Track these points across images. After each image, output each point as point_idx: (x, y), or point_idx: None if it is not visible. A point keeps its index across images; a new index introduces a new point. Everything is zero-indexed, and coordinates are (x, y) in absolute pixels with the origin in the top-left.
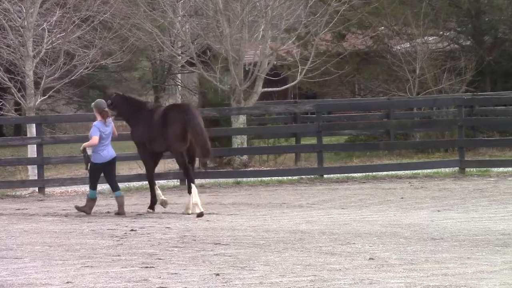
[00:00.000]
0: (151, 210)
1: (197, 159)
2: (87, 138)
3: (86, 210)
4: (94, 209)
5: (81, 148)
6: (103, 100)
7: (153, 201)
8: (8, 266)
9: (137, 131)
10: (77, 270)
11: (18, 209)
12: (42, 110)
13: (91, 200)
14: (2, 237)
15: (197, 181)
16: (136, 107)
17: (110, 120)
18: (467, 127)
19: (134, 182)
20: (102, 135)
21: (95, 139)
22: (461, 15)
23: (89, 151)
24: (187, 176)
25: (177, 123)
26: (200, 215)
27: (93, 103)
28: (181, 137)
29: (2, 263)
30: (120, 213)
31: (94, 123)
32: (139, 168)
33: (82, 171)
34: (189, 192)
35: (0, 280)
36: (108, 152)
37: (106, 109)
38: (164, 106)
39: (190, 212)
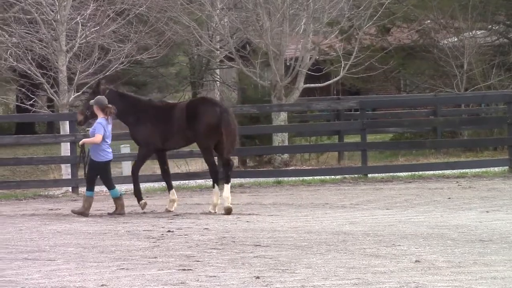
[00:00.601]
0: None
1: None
2: (123, 136)
3: (85, 211)
4: (130, 209)
5: (80, 143)
6: (103, 97)
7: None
8: (40, 268)
9: (145, 129)
10: (112, 273)
11: (51, 209)
12: (75, 106)
13: (89, 198)
14: (34, 238)
15: (236, 180)
16: (136, 104)
17: (111, 118)
18: None
19: (164, 183)
20: (106, 133)
21: (99, 137)
22: (511, 7)
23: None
24: (212, 175)
25: (211, 117)
26: (228, 211)
27: (92, 100)
28: (214, 132)
29: (34, 265)
30: (120, 213)
31: (98, 120)
32: (176, 167)
33: (117, 170)
34: (218, 188)
35: (33, 282)
36: (110, 151)
37: (110, 105)
38: (181, 101)
39: (214, 210)
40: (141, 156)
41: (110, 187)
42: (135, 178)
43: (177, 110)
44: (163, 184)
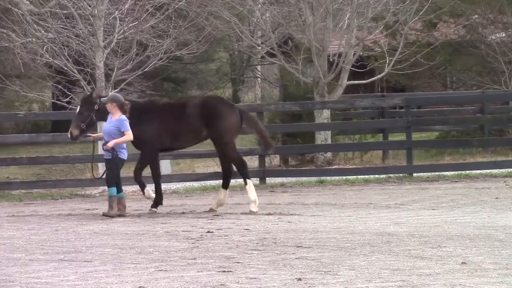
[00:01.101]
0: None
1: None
2: None
3: (123, 212)
4: (169, 209)
5: (111, 145)
6: (118, 94)
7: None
8: (77, 270)
9: (150, 130)
10: (150, 274)
11: (88, 209)
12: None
13: (120, 198)
14: (71, 238)
15: (278, 179)
16: (135, 106)
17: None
18: None
19: (211, 181)
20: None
21: (130, 134)
22: None
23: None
24: (242, 171)
25: (230, 112)
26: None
27: (107, 98)
28: (236, 127)
29: (70, 266)
30: (122, 214)
31: (123, 117)
32: (216, 166)
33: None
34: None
35: (69, 284)
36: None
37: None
38: (186, 99)
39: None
40: (152, 160)
41: (113, 185)
42: (159, 184)
43: (189, 107)
44: (203, 183)
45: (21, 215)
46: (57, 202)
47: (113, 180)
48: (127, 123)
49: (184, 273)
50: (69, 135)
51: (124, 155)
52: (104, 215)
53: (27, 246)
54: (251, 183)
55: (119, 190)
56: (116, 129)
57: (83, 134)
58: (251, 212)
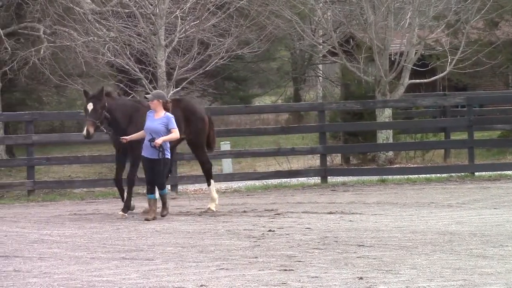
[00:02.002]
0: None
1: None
2: (222, 133)
3: (166, 211)
4: (230, 208)
5: (161, 141)
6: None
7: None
8: (138, 268)
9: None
10: (211, 273)
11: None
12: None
13: (155, 200)
14: (132, 237)
15: (339, 178)
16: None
17: None
18: None
19: (272, 180)
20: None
21: (177, 132)
22: None
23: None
24: (209, 174)
25: (204, 115)
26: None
27: (151, 95)
28: (206, 130)
29: (132, 264)
30: (163, 215)
31: (169, 114)
32: (277, 164)
33: (217, 168)
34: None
35: (130, 283)
36: None
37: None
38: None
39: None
40: (137, 160)
41: (164, 186)
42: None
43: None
44: (264, 182)
45: (83, 213)
46: (118, 201)
47: (162, 179)
48: (173, 120)
49: (245, 271)
50: (84, 134)
51: (169, 154)
52: (162, 216)
53: (89, 244)
54: (213, 182)
55: (154, 191)
56: (164, 127)
57: (96, 131)
58: (209, 210)
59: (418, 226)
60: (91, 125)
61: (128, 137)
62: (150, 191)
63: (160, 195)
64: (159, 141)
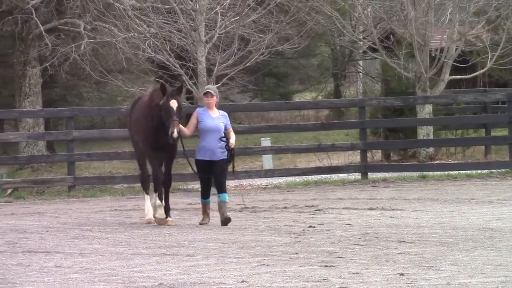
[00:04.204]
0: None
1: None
2: (265, 129)
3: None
4: (271, 204)
5: (234, 141)
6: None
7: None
8: (179, 264)
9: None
10: (252, 269)
11: (190, 204)
12: None
13: (226, 202)
14: (173, 233)
15: (380, 174)
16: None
17: None
18: None
19: (313, 176)
20: None
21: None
22: None
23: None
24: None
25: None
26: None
27: (212, 90)
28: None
29: (173, 260)
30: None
31: (224, 112)
32: (318, 160)
33: (257, 164)
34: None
35: (171, 278)
36: None
37: None
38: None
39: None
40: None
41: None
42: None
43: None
44: (305, 178)
45: (124, 209)
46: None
47: (225, 182)
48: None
49: (286, 267)
50: (175, 135)
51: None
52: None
53: (129, 240)
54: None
55: (210, 196)
56: (224, 125)
57: None
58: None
59: (459, 223)
60: (178, 125)
61: (233, 140)
62: (205, 195)
63: (224, 200)
64: (233, 141)
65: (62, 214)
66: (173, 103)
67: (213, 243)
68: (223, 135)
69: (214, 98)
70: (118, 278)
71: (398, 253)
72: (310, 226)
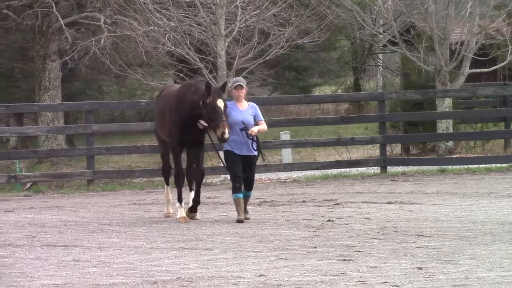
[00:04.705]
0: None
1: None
2: (284, 122)
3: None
4: (290, 197)
5: (256, 130)
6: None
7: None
8: (198, 258)
9: None
10: (270, 263)
11: (209, 198)
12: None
13: (249, 199)
14: (191, 227)
15: (399, 168)
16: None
17: None
18: None
19: (332, 170)
20: None
21: (265, 124)
22: None
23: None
24: None
25: None
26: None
27: (242, 82)
28: None
29: (191, 254)
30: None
31: (254, 104)
32: (337, 154)
33: (276, 158)
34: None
35: (189, 272)
36: None
37: None
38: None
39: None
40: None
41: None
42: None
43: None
44: (324, 171)
45: (142, 203)
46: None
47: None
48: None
49: (304, 261)
50: (227, 137)
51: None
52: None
53: (148, 234)
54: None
55: (241, 190)
56: (252, 117)
57: None
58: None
59: (477, 216)
60: (228, 126)
61: (255, 128)
62: (238, 190)
63: (247, 196)
64: (255, 129)
65: (81, 208)
66: (220, 103)
67: (231, 237)
68: (243, 126)
69: (244, 90)
70: (136, 272)
71: (417, 247)
72: (329, 220)
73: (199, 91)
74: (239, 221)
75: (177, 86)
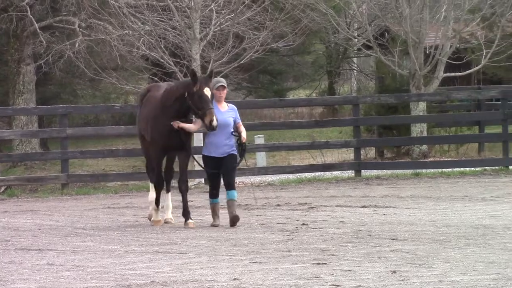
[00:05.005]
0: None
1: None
2: (259, 126)
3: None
4: (264, 201)
5: (245, 137)
6: None
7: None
8: (171, 262)
9: None
10: (244, 266)
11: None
12: None
13: (235, 201)
14: (165, 230)
15: (373, 172)
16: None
17: None
18: None
19: (306, 173)
20: None
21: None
22: None
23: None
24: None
25: None
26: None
27: (223, 83)
28: None
29: (165, 258)
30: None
31: (233, 105)
32: (311, 158)
33: (251, 162)
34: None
35: (164, 276)
36: None
37: None
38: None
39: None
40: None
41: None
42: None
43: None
44: (298, 175)
45: (117, 207)
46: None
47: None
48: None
49: (278, 265)
50: (215, 124)
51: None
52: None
53: (122, 237)
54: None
55: (218, 196)
56: (233, 119)
57: None
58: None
59: (451, 220)
60: (215, 114)
61: (182, 124)
62: (215, 196)
63: (233, 198)
64: (245, 135)
65: (55, 211)
66: (207, 91)
67: (205, 240)
68: (232, 130)
69: (225, 91)
70: (110, 275)
71: (391, 251)
72: (303, 224)
73: (183, 84)
74: (214, 225)
75: (163, 87)
